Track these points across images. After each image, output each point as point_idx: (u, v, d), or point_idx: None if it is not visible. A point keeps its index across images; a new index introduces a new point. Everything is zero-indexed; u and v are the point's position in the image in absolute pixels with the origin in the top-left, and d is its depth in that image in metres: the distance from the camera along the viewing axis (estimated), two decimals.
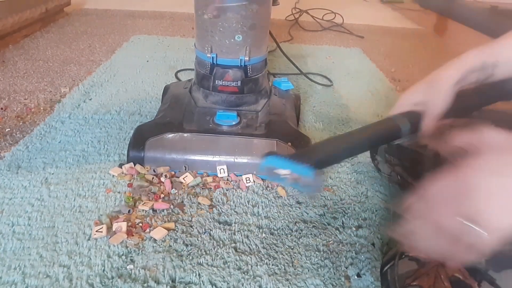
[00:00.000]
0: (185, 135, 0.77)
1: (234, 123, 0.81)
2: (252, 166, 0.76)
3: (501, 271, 0.42)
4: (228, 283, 0.54)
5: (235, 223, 0.66)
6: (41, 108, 1.01)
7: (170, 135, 0.77)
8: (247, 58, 0.81)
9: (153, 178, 0.73)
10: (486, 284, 0.43)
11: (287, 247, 0.61)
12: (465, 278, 0.44)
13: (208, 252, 0.59)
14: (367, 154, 0.82)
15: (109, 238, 0.60)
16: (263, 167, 0.56)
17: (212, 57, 0.81)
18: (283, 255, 0.60)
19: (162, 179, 0.73)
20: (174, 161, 0.76)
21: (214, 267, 0.57)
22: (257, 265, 0.57)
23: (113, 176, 0.75)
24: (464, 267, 0.45)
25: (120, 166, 0.77)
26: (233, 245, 0.61)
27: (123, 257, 0.57)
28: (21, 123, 0.93)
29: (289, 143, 0.76)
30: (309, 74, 1.30)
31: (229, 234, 0.63)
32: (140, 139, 0.77)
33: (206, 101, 0.86)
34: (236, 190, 0.73)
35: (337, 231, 0.65)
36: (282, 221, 0.67)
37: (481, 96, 0.55)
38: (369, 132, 0.56)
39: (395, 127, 0.52)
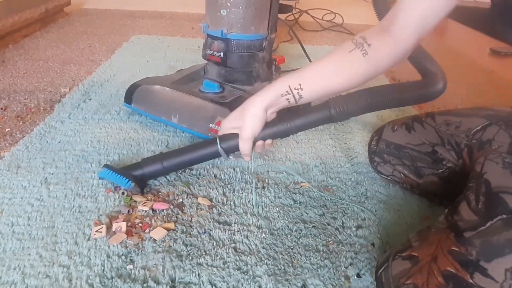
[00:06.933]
0: (167, 89, 0.92)
1: (216, 91, 0.92)
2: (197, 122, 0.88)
3: (492, 260, 0.42)
4: (227, 283, 0.54)
5: (235, 223, 0.66)
6: (41, 108, 1.01)
7: (157, 87, 0.93)
8: (226, 31, 0.89)
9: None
10: (479, 275, 0.43)
11: (287, 247, 0.61)
12: (458, 271, 0.44)
13: (207, 252, 0.59)
14: (367, 154, 0.82)
15: (109, 238, 0.60)
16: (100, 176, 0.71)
17: (203, 26, 0.93)
18: (283, 255, 0.60)
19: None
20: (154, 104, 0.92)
21: (214, 267, 0.57)
22: (256, 265, 0.57)
23: None
24: (455, 259, 0.45)
25: None
26: (232, 245, 0.61)
27: (123, 257, 0.57)
28: (21, 123, 0.93)
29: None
30: None
31: (228, 234, 0.63)
32: (133, 86, 0.95)
33: (208, 74, 0.99)
34: (236, 190, 0.73)
35: (336, 231, 0.65)
36: (282, 221, 0.67)
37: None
38: (195, 150, 0.69)
39: (215, 148, 0.66)
